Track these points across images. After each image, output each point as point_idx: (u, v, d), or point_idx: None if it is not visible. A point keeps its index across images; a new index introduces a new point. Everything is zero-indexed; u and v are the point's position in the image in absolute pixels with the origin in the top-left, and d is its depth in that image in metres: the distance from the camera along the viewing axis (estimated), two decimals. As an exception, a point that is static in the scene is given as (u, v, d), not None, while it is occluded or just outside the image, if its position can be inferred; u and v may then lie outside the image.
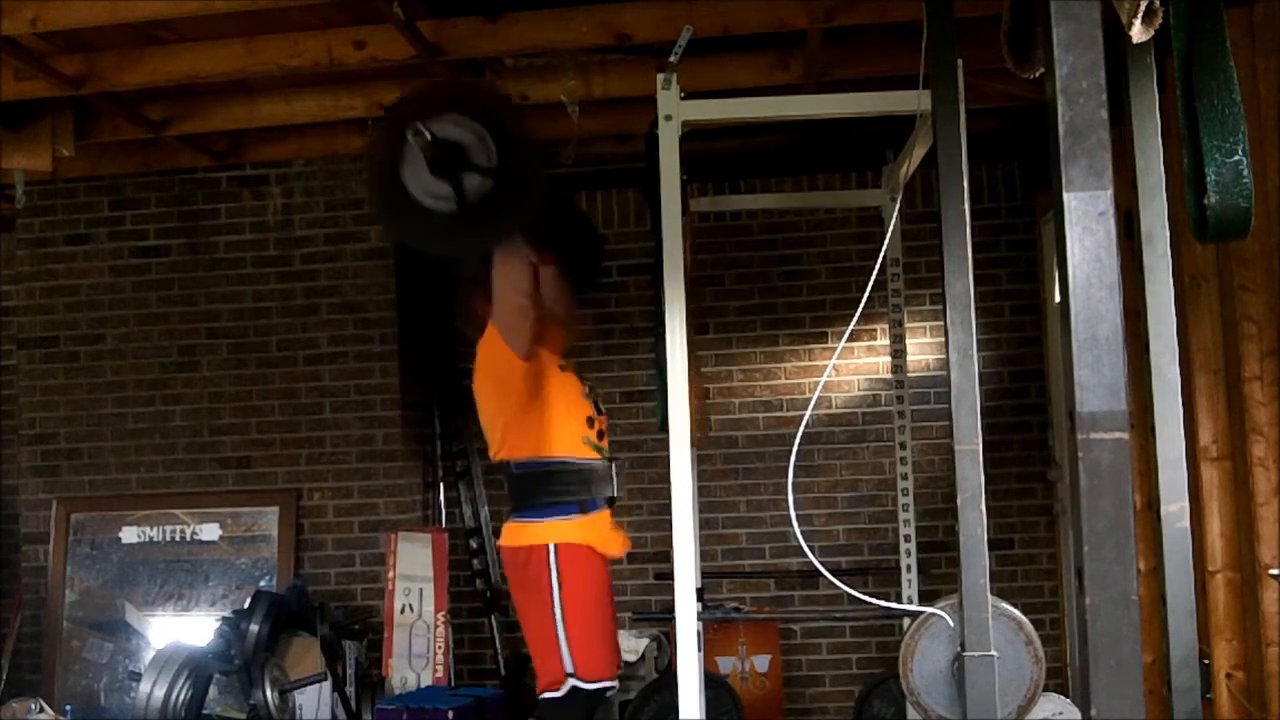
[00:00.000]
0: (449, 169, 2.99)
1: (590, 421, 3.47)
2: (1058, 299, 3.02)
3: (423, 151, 2.95)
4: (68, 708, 5.02)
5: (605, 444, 3.51)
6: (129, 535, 5.27)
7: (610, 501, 3.48)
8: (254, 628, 4.48)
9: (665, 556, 4.85)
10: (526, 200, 3.09)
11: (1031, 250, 5.26)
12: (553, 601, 3.28)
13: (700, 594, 3.24)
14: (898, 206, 3.42)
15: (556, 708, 3.32)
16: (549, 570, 3.30)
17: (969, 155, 2.45)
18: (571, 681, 3.27)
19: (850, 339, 5.13)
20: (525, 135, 3.14)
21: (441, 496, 5.47)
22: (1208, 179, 1.82)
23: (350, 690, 4.79)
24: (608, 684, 3.38)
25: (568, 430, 3.41)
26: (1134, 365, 1.72)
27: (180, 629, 5.02)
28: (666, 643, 4.92)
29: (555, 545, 3.31)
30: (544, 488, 3.37)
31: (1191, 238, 1.96)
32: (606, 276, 5.40)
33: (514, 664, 5.19)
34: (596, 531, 3.40)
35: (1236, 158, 1.81)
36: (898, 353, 4.12)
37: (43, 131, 4.51)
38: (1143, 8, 1.67)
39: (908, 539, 4.04)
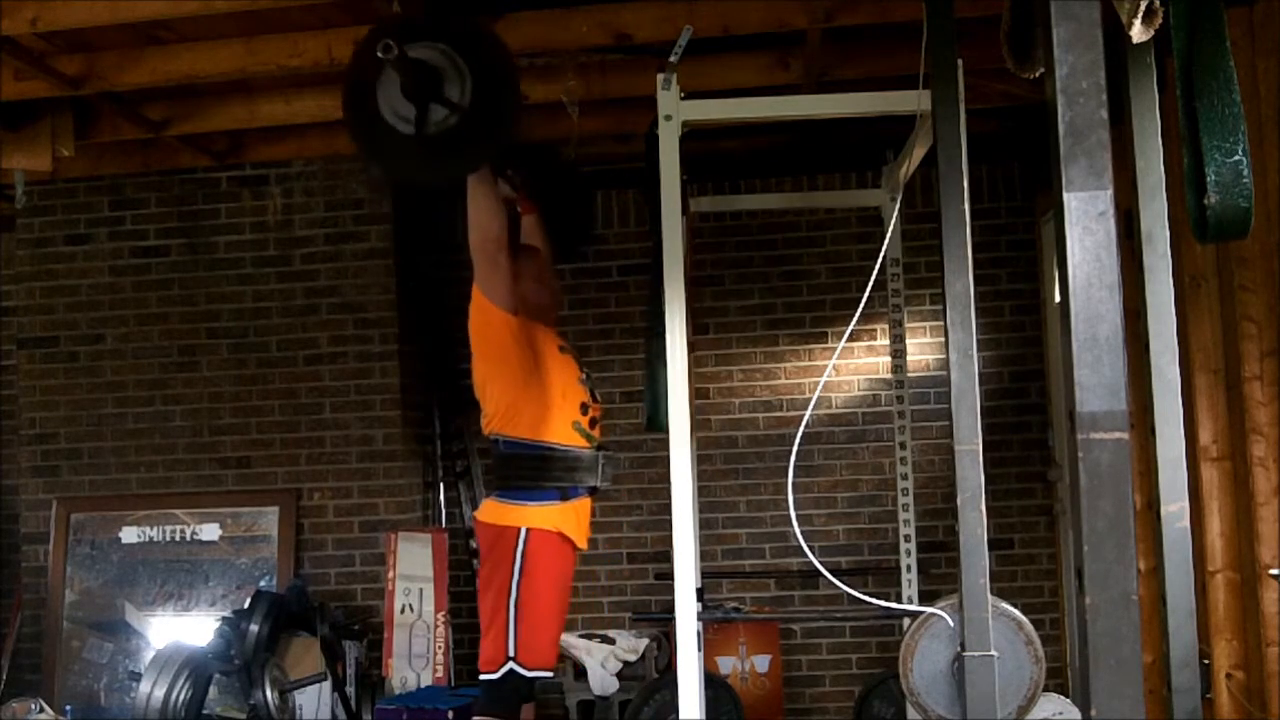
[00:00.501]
0: (418, 93, 2.95)
1: (584, 408, 3.48)
2: (1058, 299, 3.02)
3: (395, 70, 2.91)
4: (68, 708, 5.02)
5: (597, 433, 3.51)
6: (129, 535, 5.27)
7: (592, 491, 3.49)
8: (254, 628, 4.48)
9: (665, 556, 4.86)
10: (492, 137, 3.05)
11: (1031, 250, 5.26)
12: (511, 584, 3.31)
13: (700, 594, 3.24)
14: (898, 206, 3.42)
15: (491, 688, 3.35)
16: (514, 553, 3.32)
17: (969, 155, 2.45)
18: (510, 664, 3.30)
19: (850, 339, 5.13)
20: (504, 69, 3.09)
21: (441, 496, 5.47)
22: (1208, 179, 1.82)
23: (350, 690, 4.79)
24: (545, 674, 3.41)
25: (561, 415, 3.41)
26: (1134, 365, 1.72)
27: (180, 629, 5.02)
28: (666, 643, 4.92)
29: (527, 530, 3.33)
30: (528, 471, 3.38)
31: (1191, 238, 1.96)
32: (606, 276, 5.41)
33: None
34: (572, 519, 3.42)
35: (1236, 158, 1.81)
36: (898, 353, 4.12)
37: (43, 131, 4.51)
38: (1143, 8, 1.67)
39: (908, 539, 4.03)
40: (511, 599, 3.31)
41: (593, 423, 3.50)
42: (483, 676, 3.37)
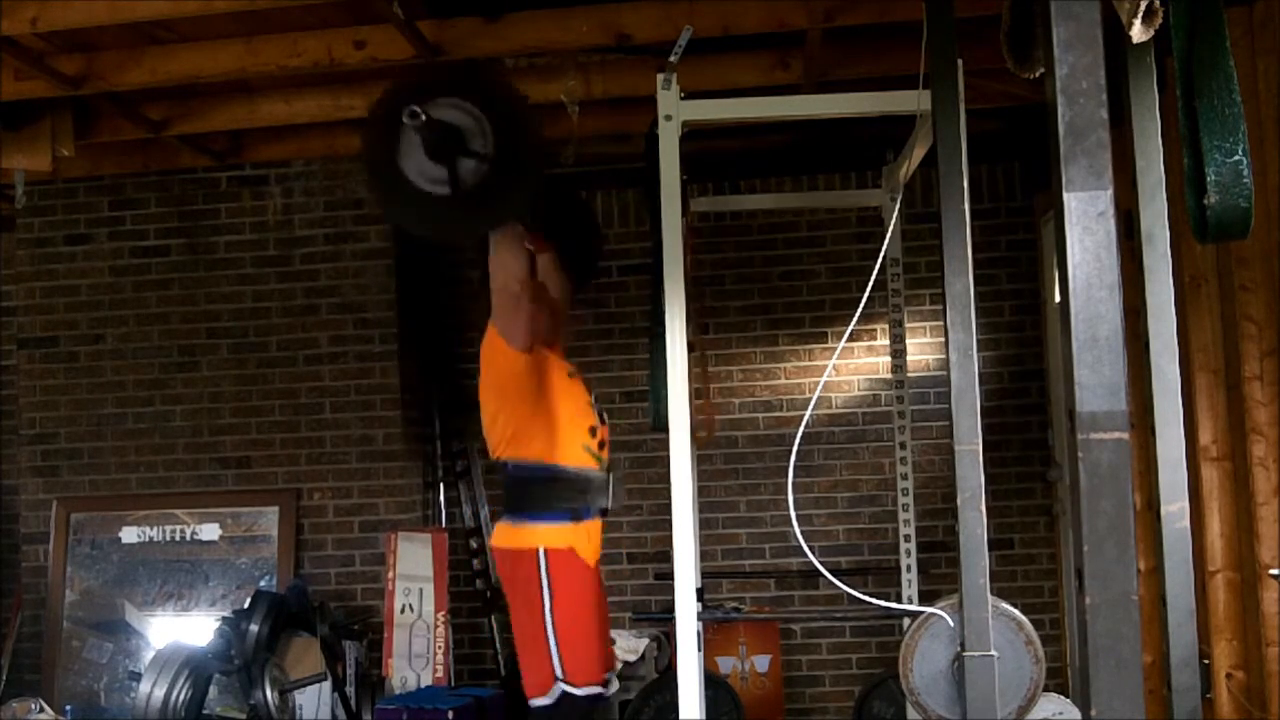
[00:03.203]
0: (445, 152, 2.94)
1: (593, 431, 3.46)
2: (1058, 299, 3.02)
3: (418, 134, 2.90)
4: (68, 708, 5.02)
5: (605, 454, 3.49)
6: (129, 535, 5.27)
7: (603, 512, 3.47)
8: (254, 628, 4.48)
9: (665, 556, 4.86)
10: (524, 185, 3.04)
11: (1031, 250, 5.26)
12: (543, 606, 3.27)
13: (700, 594, 3.23)
14: (898, 206, 3.43)
15: (547, 715, 3.30)
16: (539, 575, 3.28)
17: (969, 155, 2.45)
18: (561, 686, 3.26)
19: (850, 339, 5.12)
20: (525, 119, 3.09)
21: (441, 496, 5.47)
22: (1208, 179, 1.82)
23: (350, 690, 4.79)
24: (598, 690, 3.36)
25: (570, 438, 3.39)
26: (1134, 365, 1.71)
27: (180, 629, 5.02)
28: (666, 643, 4.92)
29: (545, 550, 3.30)
30: (539, 492, 3.36)
31: (1191, 238, 1.96)
32: (606, 276, 5.40)
33: (514, 664, 5.18)
34: (583, 539, 3.39)
35: (1236, 158, 1.81)
36: (898, 353, 4.12)
37: (43, 131, 4.51)
38: (1143, 8, 1.67)
39: (908, 539, 4.03)
40: (548, 622, 3.26)
41: (601, 445, 3.48)
42: (534, 703, 3.30)
